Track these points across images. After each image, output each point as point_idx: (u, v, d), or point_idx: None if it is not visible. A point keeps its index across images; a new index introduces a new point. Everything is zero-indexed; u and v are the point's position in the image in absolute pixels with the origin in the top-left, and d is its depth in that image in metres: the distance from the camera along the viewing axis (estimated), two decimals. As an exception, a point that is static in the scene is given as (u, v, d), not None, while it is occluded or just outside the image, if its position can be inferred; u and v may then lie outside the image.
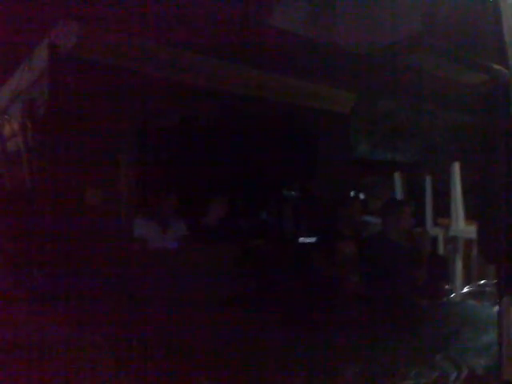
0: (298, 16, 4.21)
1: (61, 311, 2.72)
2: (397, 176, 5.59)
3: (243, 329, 3.21)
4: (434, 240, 5.04)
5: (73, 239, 2.95)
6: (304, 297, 3.63)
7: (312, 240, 4.34)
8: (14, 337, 2.38)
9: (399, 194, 5.53)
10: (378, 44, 4.14)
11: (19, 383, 2.25)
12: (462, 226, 5.03)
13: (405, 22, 3.74)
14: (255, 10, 3.59)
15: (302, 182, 5.39)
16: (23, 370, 2.25)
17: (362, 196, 6.01)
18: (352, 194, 5.75)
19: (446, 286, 4.55)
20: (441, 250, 5.11)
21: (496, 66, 3.03)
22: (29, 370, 2.27)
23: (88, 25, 2.91)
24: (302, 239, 4.49)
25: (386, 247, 3.69)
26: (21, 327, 2.51)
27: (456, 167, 5.06)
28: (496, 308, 2.61)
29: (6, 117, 3.26)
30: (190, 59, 3.37)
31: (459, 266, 4.81)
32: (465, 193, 5.07)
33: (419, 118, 5.30)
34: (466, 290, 4.64)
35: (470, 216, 4.98)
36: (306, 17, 4.27)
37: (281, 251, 4.14)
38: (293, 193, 5.61)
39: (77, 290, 2.79)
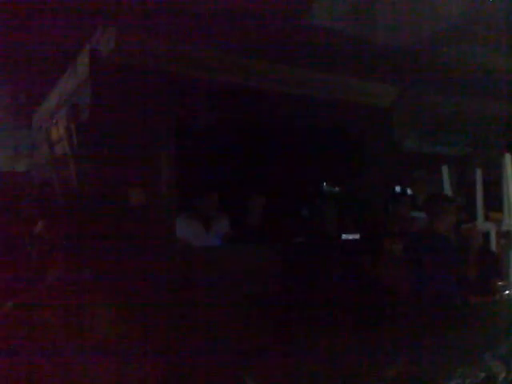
0: (339, 12, 4.18)
1: (109, 310, 2.80)
2: (445, 169, 5.41)
3: (285, 327, 3.22)
4: (486, 235, 4.85)
5: (117, 238, 3.03)
6: (350, 296, 3.59)
7: (358, 237, 4.28)
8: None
9: (448, 188, 5.35)
10: (419, 36, 4.04)
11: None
12: (515, 221, 4.82)
13: (447, 13, 3.64)
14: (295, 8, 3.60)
15: (346, 178, 5.33)
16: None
17: (409, 191, 5.87)
18: (399, 189, 5.63)
19: (499, 283, 4.37)
20: (493, 245, 4.91)
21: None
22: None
23: (126, 30, 2.99)
24: (346, 236, 4.43)
25: (434, 243, 3.58)
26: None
27: (507, 159, 4.84)
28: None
29: (53, 121, 3.39)
30: (226, 59, 3.40)
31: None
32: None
33: (467, 110, 5.12)
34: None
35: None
36: (347, 13, 4.23)
37: (325, 249, 4.10)
38: (337, 189, 5.55)
39: (123, 289, 2.87)
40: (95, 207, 3.06)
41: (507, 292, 4.22)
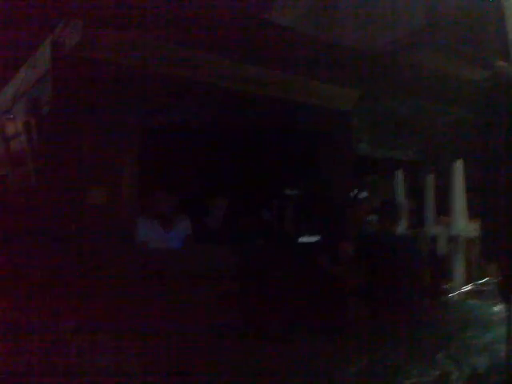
0: (300, 13, 4.21)
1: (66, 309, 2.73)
2: (398, 174, 5.57)
3: (241, 330, 3.23)
4: (435, 239, 5.04)
5: (76, 238, 2.96)
6: (306, 297, 3.64)
7: (315, 240, 4.34)
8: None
9: (400, 193, 5.51)
10: (379, 41, 4.14)
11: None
12: (464, 225, 5.03)
13: (407, 19, 3.74)
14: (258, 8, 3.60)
15: (304, 181, 5.39)
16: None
17: (364, 195, 6.00)
18: (356, 193, 5.75)
19: (447, 285, 4.56)
20: (442, 248, 5.10)
21: (499, 62, 3.03)
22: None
23: (90, 24, 2.91)
24: (304, 239, 4.48)
25: (384, 246, 3.70)
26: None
27: (458, 165, 5.05)
28: (497, 307, 2.60)
29: (9, 116, 3.25)
30: (187, 55, 3.36)
31: (460, 264, 4.80)
32: (466, 191, 5.07)
33: (421, 115, 5.29)
34: (467, 288, 4.64)
35: (471, 214, 4.97)
36: (307, 14, 4.26)
37: (283, 251, 4.14)
38: (295, 191, 5.61)
39: (80, 289, 2.80)
40: (52, 205, 2.97)
41: (456, 294, 4.42)
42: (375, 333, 3.26)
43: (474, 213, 4.82)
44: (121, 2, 2.81)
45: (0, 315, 2.87)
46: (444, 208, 5.29)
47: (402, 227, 4.08)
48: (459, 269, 4.73)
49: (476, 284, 4.75)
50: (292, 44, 3.77)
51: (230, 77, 3.67)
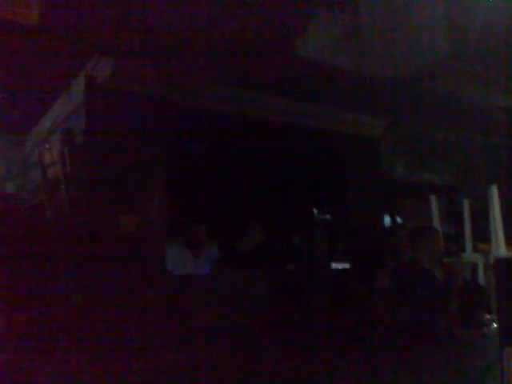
0: (328, 44, 4.27)
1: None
2: (433, 199, 5.46)
3: (274, 355, 3.21)
4: (474, 266, 4.88)
5: (108, 264, 3.03)
6: (338, 325, 3.59)
7: (348, 267, 4.29)
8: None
9: (436, 218, 5.39)
10: (406, 69, 4.14)
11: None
12: (503, 251, 4.85)
13: (432, 47, 3.72)
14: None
15: (336, 206, 5.36)
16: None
17: (399, 220, 5.91)
18: (394, 219, 5.67)
19: (486, 316, 4.38)
20: (481, 276, 4.93)
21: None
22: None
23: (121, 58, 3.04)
24: (336, 265, 4.44)
25: (417, 275, 3.60)
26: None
27: (494, 190, 4.90)
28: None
29: (46, 146, 3.41)
30: (220, 89, 3.46)
31: (500, 293, 4.61)
32: (505, 216, 4.91)
33: (456, 141, 5.22)
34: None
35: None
36: (335, 45, 4.32)
37: (315, 277, 4.11)
38: (327, 217, 5.57)
39: (112, 315, 2.86)
40: (85, 232, 3.06)
41: (494, 325, 4.23)
42: (410, 366, 3.17)
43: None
44: (148, 37, 2.93)
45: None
46: (482, 234, 5.13)
47: (438, 254, 3.96)
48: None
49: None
50: (322, 76, 3.84)
51: (262, 107, 3.76)
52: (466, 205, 5.28)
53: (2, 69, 3.83)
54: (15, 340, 2.99)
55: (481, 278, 4.79)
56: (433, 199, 5.47)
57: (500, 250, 4.87)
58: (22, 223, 3.70)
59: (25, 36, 3.06)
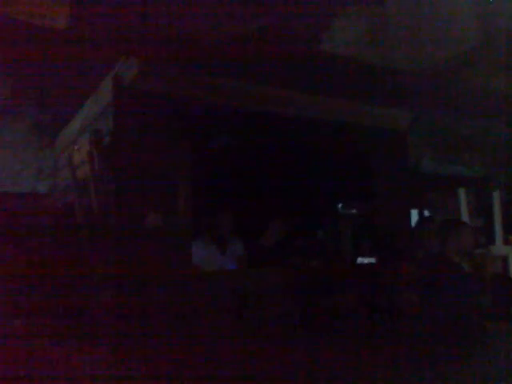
0: (353, 37, 4.25)
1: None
2: (462, 191, 5.38)
3: (298, 352, 3.23)
4: (504, 259, 4.80)
5: (136, 262, 3.09)
6: (366, 320, 3.59)
7: (374, 261, 4.28)
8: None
9: (465, 211, 5.31)
10: (434, 60, 4.09)
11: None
12: (534, 244, 4.77)
13: (461, 37, 3.67)
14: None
15: (363, 201, 5.34)
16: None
17: (427, 213, 5.84)
18: (423, 212, 5.61)
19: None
20: (511, 269, 4.85)
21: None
22: None
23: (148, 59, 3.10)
24: (362, 260, 4.44)
25: (446, 268, 3.57)
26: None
27: (525, 182, 4.81)
28: None
29: (75, 147, 3.49)
30: (244, 86, 3.48)
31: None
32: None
33: (484, 133, 5.12)
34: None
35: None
36: (361, 38, 4.30)
37: (340, 272, 4.11)
38: (354, 211, 5.55)
39: (138, 311, 2.92)
40: (115, 230, 3.14)
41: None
42: (434, 359, 3.15)
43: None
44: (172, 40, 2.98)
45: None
46: (512, 227, 5.05)
47: (467, 247, 3.92)
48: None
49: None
50: (348, 70, 3.83)
51: (283, 103, 3.77)
52: (496, 197, 5.20)
53: (32, 72, 3.95)
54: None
55: (511, 271, 4.71)
56: (461, 192, 5.40)
57: (531, 242, 4.79)
58: (53, 222, 3.80)
59: (53, 39, 3.14)
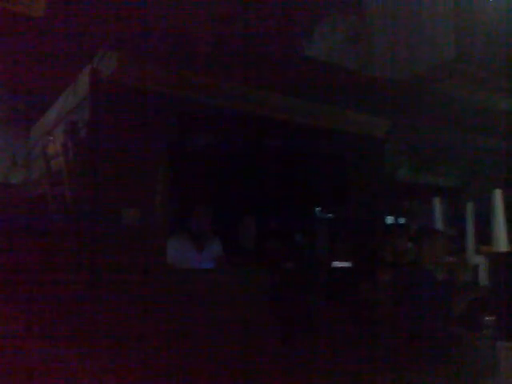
0: (334, 44, 4.28)
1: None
2: (436, 201, 5.46)
3: (274, 350, 3.21)
4: (476, 268, 4.87)
5: (110, 257, 3.04)
6: (339, 324, 3.59)
7: (350, 265, 4.29)
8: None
9: (439, 220, 5.39)
10: (411, 71, 4.15)
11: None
12: (505, 254, 4.84)
13: (440, 49, 3.73)
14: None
15: (339, 206, 5.36)
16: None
17: (402, 221, 5.90)
18: (395, 219, 5.66)
19: (487, 318, 4.36)
20: (483, 278, 4.92)
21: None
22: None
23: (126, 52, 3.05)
24: (336, 263, 4.44)
25: (419, 276, 3.60)
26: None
27: (498, 193, 4.89)
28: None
29: (50, 138, 3.42)
30: (224, 85, 3.46)
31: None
32: (508, 220, 4.90)
33: (460, 144, 5.21)
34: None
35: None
36: (342, 45, 4.33)
37: (315, 274, 4.11)
38: (330, 216, 5.57)
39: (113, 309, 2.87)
40: (88, 225, 3.07)
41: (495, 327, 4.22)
42: (407, 366, 3.17)
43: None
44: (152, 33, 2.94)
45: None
46: (484, 237, 5.12)
47: (441, 255, 3.96)
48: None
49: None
50: (327, 76, 3.85)
51: (263, 105, 3.76)
52: (470, 207, 5.28)
53: (9, 62, 3.87)
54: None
55: (482, 280, 4.78)
56: (436, 201, 5.47)
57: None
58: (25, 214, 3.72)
59: (31, 29, 3.09)
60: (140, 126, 3.17)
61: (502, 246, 4.90)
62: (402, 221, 5.95)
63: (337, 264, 4.40)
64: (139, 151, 3.18)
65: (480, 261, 4.99)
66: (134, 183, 3.22)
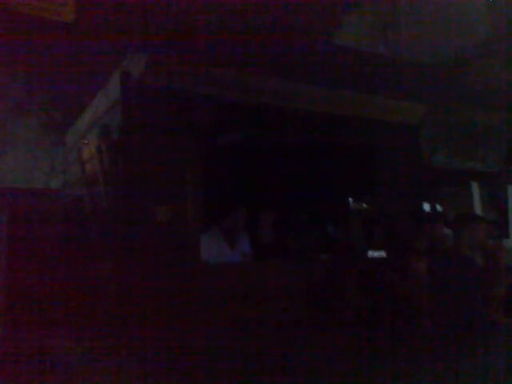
0: (365, 31, 4.22)
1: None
2: (475, 186, 5.32)
3: (310, 344, 3.22)
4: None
5: (145, 255, 3.11)
6: (377, 314, 3.56)
7: (385, 255, 4.24)
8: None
9: (478, 205, 5.25)
10: (447, 53, 4.04)
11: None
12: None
13: (472, 29, 3.62)
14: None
15: (375, 196, 5.30)
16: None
17: (439, 208, 5.78)
18: (431, 206, 5.55)
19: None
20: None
21: None
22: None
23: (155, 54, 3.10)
24: (373, 253, 4.39)
25: (458, 263, 3.52)
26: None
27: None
28: None
29: (85, 141, 3.52)
30: (252, 80, 3.47)
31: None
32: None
33: (498, 126, 5.05)
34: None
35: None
36: (373, 32, 4.26)
37: (350, 266, 4.08)
38: (366, 206, 5.51)
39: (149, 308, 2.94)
40: (124, 224, 3.15)
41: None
42: (446, 354, 3.12)
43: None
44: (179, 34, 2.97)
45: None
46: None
47: (480, 241, 3.86)
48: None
49: None
50: (360, 63, 3.80)
51: (291, 97, 3.75)
52: (510, 191, 5.13)
53: (42, 68, 3.98)
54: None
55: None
56: (474, 186, 5.34)
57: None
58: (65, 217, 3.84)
59: (61, 34, 3.16)
60: (171, 126, 3.22)
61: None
62: (439, 208, 5.82)
63: (372, 254, 4.36)
64: (172, 151, 3.22)
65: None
66: (167, 183, 3.27)
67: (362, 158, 4.52)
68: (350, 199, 5.22)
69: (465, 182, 5.56)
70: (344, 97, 4.00)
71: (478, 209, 5.10)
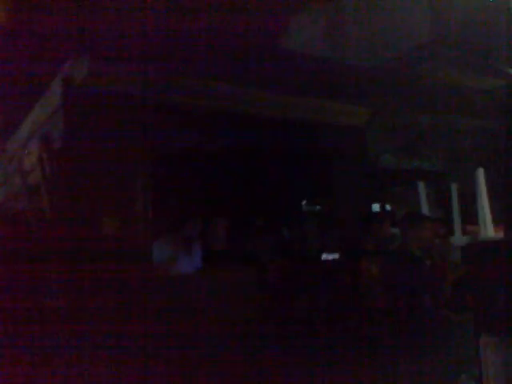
0: (308, 35, 4.24)
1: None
2: (421, 185, 5.48)
3: (265, 352, 3.20)
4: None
5: (91, 267, 2.99)
6: (329, 316, 3.59)
7: (336, 257, 4.29)
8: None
9: (425, 204, 5.41)
10: (386, 56, 4.13)
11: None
12: (491, 233, 4.89)
13: (415, 32, 3.71)
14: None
15: (324, 197, 5.36)
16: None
17: (387, 208, 5.92)
18: (378, 206, 5.67)
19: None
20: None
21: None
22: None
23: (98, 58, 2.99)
24: (326, 256, 4.44)
25: (407, 261, 3.60)
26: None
27: (481, 173, 4.93)
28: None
29: (25, 151, 3.36)
30: (200, 84, 3.41)
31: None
32: (492, 199, 4.94)
33: (441, 126, 5.21)
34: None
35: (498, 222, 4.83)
36: (316, 35, 4.29)
37: (303, 269, 4.10)
38: (316, 208, 5.57)
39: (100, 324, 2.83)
40: (69, 237, 3.02)
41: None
42: (397, 353, 3.18)
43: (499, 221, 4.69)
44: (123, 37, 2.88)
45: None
46: (470, 217, 5.16)
47: (427, 239, 3.97)
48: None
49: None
50: (305, 68, 3.82)
51: (240, 101, 3.72)
52: (454, 189, 5.31)
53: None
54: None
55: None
56: (421, 185, 5.50)
57: (488, 232, 4.91)
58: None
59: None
60: (117, 133, 3.11)
61: (487, 224, 4.94)
62: (388, 208, 5.97)
63: (324, 256, 4.40)
64: (117, 158, 3.12)
65: (466, 241, 5.02)
66: (113, 192, 3.17)
67: (311, 161, 4.56)
68: (303, 202, 5.25)
69: (412, 182, 5.72)
70: (291, 101, 4.01)
71: (425, 208, 5.25)
